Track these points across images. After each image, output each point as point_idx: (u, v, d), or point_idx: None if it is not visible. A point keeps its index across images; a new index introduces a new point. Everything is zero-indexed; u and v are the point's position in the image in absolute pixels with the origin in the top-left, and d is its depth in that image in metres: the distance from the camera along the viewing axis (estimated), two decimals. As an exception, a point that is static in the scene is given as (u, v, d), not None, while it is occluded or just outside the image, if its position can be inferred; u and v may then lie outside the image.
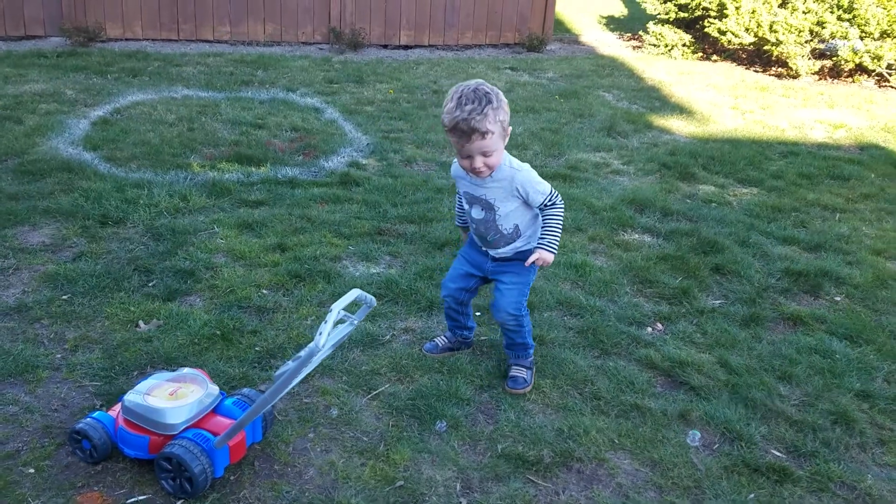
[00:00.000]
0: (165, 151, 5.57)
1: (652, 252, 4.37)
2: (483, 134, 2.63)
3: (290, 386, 2.24)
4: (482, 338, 3.44)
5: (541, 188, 2.83)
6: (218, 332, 3.33)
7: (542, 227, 2.89)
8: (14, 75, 7.41)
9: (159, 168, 5.26)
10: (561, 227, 2.89)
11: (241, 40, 9.89)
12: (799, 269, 4.22)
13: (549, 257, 2.85)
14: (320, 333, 2.11)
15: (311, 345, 2.09)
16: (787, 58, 9.60)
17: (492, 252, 3.03)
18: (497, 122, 2.64)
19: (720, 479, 2.66)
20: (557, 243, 2.86)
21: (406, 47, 10.50)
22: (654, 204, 5.09)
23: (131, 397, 2.54)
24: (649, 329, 3.62)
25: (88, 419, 2.58)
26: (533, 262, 2.85)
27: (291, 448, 2.71)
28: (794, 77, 9.70)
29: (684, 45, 10.79)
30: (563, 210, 2.88)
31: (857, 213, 5.26)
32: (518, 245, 2.98)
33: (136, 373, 3.05)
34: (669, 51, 10.81)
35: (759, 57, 10.38)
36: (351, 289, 2.31)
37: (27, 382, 2.95)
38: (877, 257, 4.51)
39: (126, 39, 9.43)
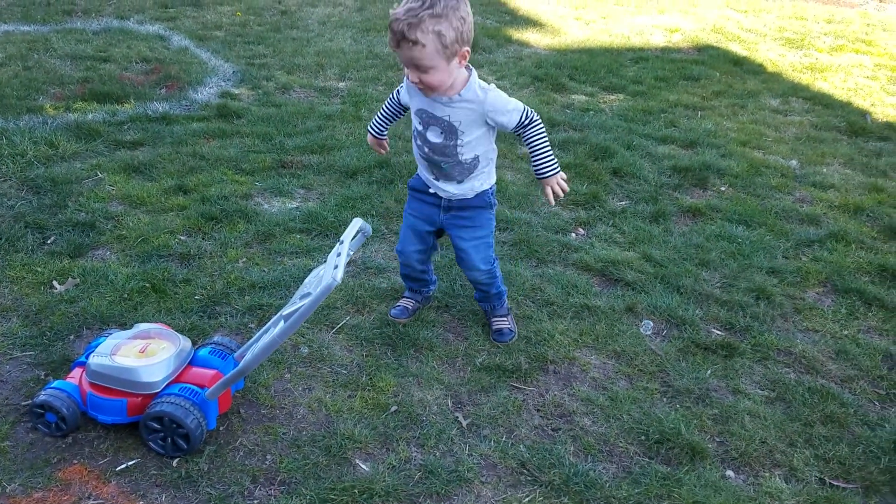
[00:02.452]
0: (9, 95, 4.95)
1: (554, 161, 4.52)
2: (412, 43, 2.27)
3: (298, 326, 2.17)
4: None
5: (512, 106, 2.51)
6: (148, 285, 3.11)
7: (532, 152, 2.55)
8: None
9: (8, 114, 4.68)
10: (549, 142, 2.56)
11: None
12: (684, 166, 4.56)
13: (558, 181, 2.57)
14: (336, 267, 2.05)
15: (328, 281, 2.02)
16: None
17: (445, 188, 2.68)
18: (431, 32, 2.24)
19: (679, 360, 2.91)
20: (556, 161, 2.57)
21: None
22: (540, 116, 5.22)
23: (97, 360, 2.35)
24: (573, 235, 3.80)
25: (49, 390, 2.36)
26: (548, 196, 2.58)
27: (272, 391, 2.64)
28: (622, -15, 10.15)
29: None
30: (542, 125, 2.56)
31: (715, 110, 5.72)
32: (475, 184, 2.67)
33: (72, 336, 2.80)
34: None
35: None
36: (353, 218, 2.25)
37: (-51, 363, 2.63)
38: (744, 148, 4.96)
39: None
